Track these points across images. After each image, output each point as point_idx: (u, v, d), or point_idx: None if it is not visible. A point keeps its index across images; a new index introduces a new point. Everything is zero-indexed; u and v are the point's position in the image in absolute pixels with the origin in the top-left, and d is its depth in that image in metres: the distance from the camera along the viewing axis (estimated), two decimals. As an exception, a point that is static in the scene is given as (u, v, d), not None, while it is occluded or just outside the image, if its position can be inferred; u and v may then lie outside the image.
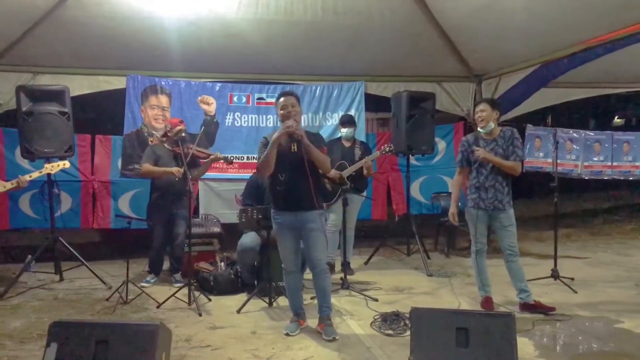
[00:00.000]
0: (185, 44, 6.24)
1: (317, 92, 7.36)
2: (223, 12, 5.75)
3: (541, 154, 7.89)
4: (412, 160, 7.03)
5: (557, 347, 3.93)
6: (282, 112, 4.06)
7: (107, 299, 5.07)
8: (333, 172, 5.34)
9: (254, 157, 6.89)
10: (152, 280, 5.69)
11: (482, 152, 4.49)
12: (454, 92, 7.72)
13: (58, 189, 6.22)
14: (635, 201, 11.20)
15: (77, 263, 5.78)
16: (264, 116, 7.25)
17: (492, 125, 4.55)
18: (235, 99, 7.19)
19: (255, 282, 5.27)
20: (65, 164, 5.37)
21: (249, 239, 5.27)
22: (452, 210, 4.81)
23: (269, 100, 7.11)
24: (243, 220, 4.92)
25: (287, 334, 4.13)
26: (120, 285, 5.00)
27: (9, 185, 4.88)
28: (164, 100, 6.96)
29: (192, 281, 5.05)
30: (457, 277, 5.90)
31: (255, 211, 4.85)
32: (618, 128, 15.22)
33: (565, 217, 9.17)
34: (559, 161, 5.58)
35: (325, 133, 6.91)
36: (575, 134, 8.22)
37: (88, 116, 10.46)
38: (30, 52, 6.10)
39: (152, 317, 4.65)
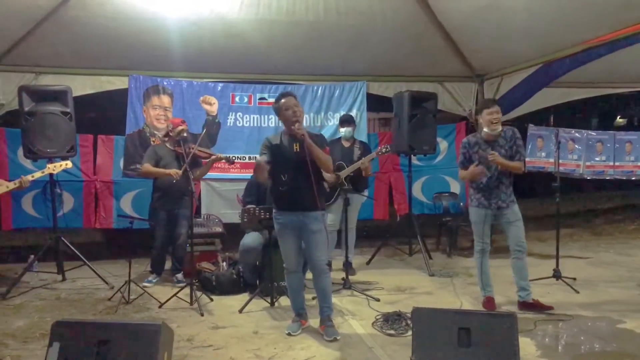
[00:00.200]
0: (187, 44, 6.24)
1: (319, 92, 7.36)
2: (225, 12, 5.76)
3: (543, 154, 7.88)
4: (414, 160, 7.03)
5: (559, 347, 3.93)
6: (287, 112, 4.04)
7: (110, 299, 5.08)
8: (328, 176, 5.28)
9: (255, 157, 6.87)
10: (154, 280, 5.69)
11: (497, 157, 4.44)
12: (455, 92, 7.71)
13: (60, 189, 6.24)
14: (638, 201, 11.17)
15: (80, 263, 5.78)
16: (266, 116, 7.25)
17: (500, 126, 4.56)
18: (237, 99, 7.20)
19: (257, 282, 5.28)
20: (68, 164, 5.38)
21: (251, 238, 5.27)
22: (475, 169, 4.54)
23: (270, 100, 7.09)
24: (245, 220, 4.93)
25: (289, 334, 4.13)
26: (123, 285, 5.01)
27: (11, 185, 4.89)
28: (166, 100, 6.97)
29: (194, 281, 5.06)
30: (459, 277, 5.90)
31: (259, 210, 4.84)
32: (620, 128, 15.20)
33: (567, 217, 9.16)
34: (561, 161, 5.56)
35: (327, 133, 6.91)
36: (577, 134, 8.21)
37: (90, 116, 10.48)
38: (32, 52, 6.11)
39: (154, 317, 4.65)
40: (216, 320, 4.55)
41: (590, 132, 8.42)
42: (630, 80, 7.98)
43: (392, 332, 4.16)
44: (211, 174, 6.72)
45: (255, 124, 7.24)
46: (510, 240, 4.64)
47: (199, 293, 5.08)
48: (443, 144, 7.79)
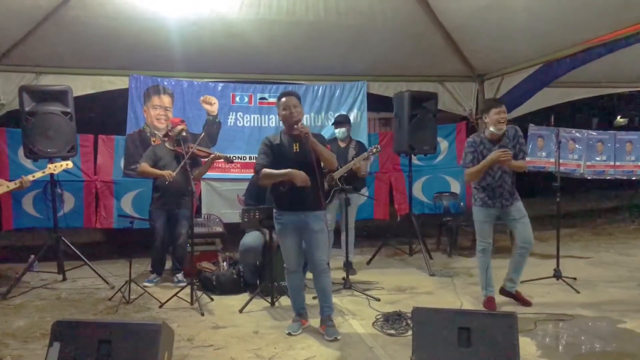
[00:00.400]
0: (188, 44, 6.25)
1: (319, 92, 7.37)
2: (225, 12, 5.76)
3: (544, 154, 7.88)
4: (415, 160, 7.03)
5: (560, 347, 3.93)
6: (284, 112, 4.04)
7: (110, 299, 5.09)
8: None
9: (256, 157, 6.88)
10: (155, 280, 5.70)
11: (509, 155, 4.44)
12: (456, 92, 7.72)
13: (61, 189, 6.25)
14: (638, 201, 11.16)
15: (80, 263, 5.79)
16: (266, 116, 7.26)
17: (505, 126, 4.56)
18: (237, 98, 7.20)
19: (258, 281, 5.28)
20: (68, 164, 5.37)
21: (251, 238, 5.28)
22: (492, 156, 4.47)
23: (271, 100, 7.12)
24: (245, 220, 4.93)
25: (289, 334, 4.13)
26: (123, 285, 5.01)
27: (12, 186, 4.89)
28: (166, 100, 6.97)
29: (194, 281, 5.06)
30: (460, 276, 5.90)
31: (257, 211, 4.84)
32: (621, 128, 15.18)
33: (567, 217, 9.17)
34: (561, 161, 5.56)
35: (327, 133, 6.90)
36: (577, 134, 8.20)
37: (91, 116, 10.48)
38: (33, 52, 6.12)
39: (154, 316, 4.66)
40: (216, 320, 4.55)
41: (590, 131, 8.41)
42: (631, 80, 7.98)
43: (392, 332, 4.16)
44: (212, 174, 6.74)
45: (256, 124, 7.25)
46: (519, 238, 4.66)
47: (199, 293, 5.08)
48: (443, 144, 7.79)
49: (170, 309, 4.81)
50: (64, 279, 5.85)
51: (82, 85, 6.63)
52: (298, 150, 4.03)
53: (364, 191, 6.34)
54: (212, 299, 5.11)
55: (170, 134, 5.73)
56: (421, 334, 3.17)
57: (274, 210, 4.20)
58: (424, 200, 7.82)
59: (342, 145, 6.15)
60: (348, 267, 5.58)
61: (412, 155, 6.77)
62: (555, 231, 5.43)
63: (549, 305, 4.71)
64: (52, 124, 5.56)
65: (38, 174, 5.07)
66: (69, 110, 5.66)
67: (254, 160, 6.93)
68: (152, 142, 6.66)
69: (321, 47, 6.62)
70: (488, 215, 4.64)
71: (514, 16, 5.57)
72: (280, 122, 4.24)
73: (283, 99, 4.07)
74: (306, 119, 7.14)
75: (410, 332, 3.64)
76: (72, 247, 5.77)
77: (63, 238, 5.75)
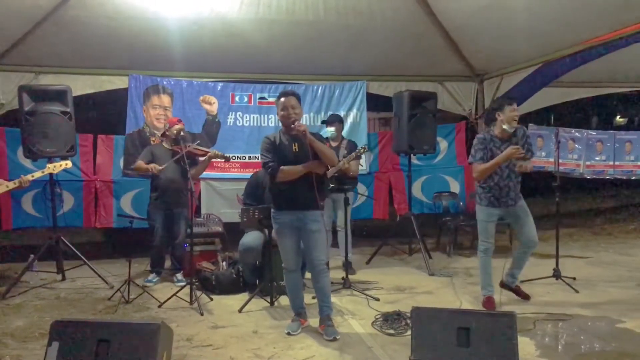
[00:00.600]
0: (187, 44, 6.25)
1: (319, 91, 7.37)
2: (225, 12, 5.76)
3: (543, 154, 7.88)
4: (414, 160, 7.03)
5: (559, 347, 3.93)
6: (282, 112, 4.03)
7: (109, 298, 5.08)
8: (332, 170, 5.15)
9: (255, 157, 6.89)
10: (154, 280, 5.69)
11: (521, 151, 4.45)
12: (455, 92, 7.72)
13: (60, 188, 6.25)
14: (638, 201, 11.17)
15: (79, 262, 5.78)
16: (266, 116, 7.26)
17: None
18: (237, 98, 7.20)
19: (257, 281, 5.27)
20: (68, 163, 5.38)
21: (251, 238, 5.27)
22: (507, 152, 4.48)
23: (270, 99, 7.12)
24: (245, 219, 4.93)
25: (288, 334, 4.13)
26: (122, 285, 5.01)
27: (11, 185, 4.89)
28: (165, 100, 6.98)
29: (193, 280, 5.06)
30: (459, 276, 5.90)
31: (256, 211, 4.85)
32: (620, 127, 15.20)
33: (567, 217, 9.16)
34: (561, 160, 5.56)
35: (326, 133, 6.90)
36: (577, 134, 8.21)
37: (90, 116, 10.48)
38: (32, 52, 6.12)
39: (153, 316, 4.66)
40: (216, 319, 4.54)
41: (590, 131, 8.42)
42: (630, 79, 7.98)
43: (391, 331, 4.16)
44: (211, 174, 6.74)
45: (255, 124, 7.25)
46: (523, 237, 4.69)
47: (198, 292, 5.07)
48: (443, 144, 7.79)
49: (170, 309, 4.80)
50: (63, 278, 5.84)
51: (82, 85, 6.64)
52: (297, 149, 4.03)
53: (364, 191, 6.33)
54: (211, 299, 5.11)
55: (167, 133, 5.73)
56: (420, 334, 3.17)
57: (272, 210, 4.20)
58: (424, 200, 7.82)
59: (334, 144, 6.10)
60: (347, 266, 5.58)
61: (412, 155, 6.77)
62: (554, 231, 5.43)
63: (548, 305, 4.71)
64: (52, 123, 5.55)
65: (37, 174, 5.07)
66: (68, 110, 5.66)
67: (254, 160, 6.98)
68: (152, 142, 6.66)
69: (321, 47, 6.62)
70: (492, 215, 4.64)
71: (513, 16, 5.57)
72: (280, 121, 4.23)
73: (282, 99, 4.06)
74: (305, 119, 7.14)
75: (409, 332, 3.64)
76: (72, 247, 5.76)
77: (62, 238, 5.74)
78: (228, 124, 7.17)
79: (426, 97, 6.67)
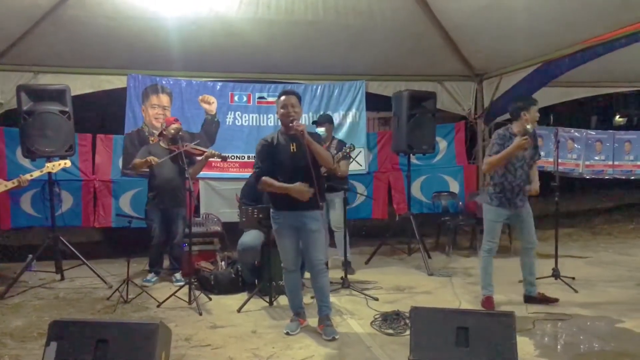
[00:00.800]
0: (186, 44, 6.24)
1: (318, 91, 7.35)
2: (224, 11, 5.76)
3: (542, 153, 7.81)
4: (413, 160, 7.02)
5: (558, 347, 3.93)
6: (282, 111, 4.03)
7: (108, 298, 5.08)
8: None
9: (254, 157, 6.86)
10: (153, 279, 5.69)
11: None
12: (455, 92, 7.72)
13: (59, 188, 6.24)
14: (637, 201, 11.17)
15: (78, 262, 5.78)
16: (265, 115, 7.25)
17: None
18: (236, 98, 7.19)
19: (256, 281, 5.27)
20: (66, 163, 5.38)
21: (250, 237, 5.26)
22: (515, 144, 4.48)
23: (269, 99, 7.11)
24: (244, 219, 4.92)
25: (287, 333, 4.12)
26: (121, 284, 5.01)
27: (10, 185, 4.89)
28: (164, 99, 6.97)
29: (192, 280, 5.05)
30: (458, 276, 5.89)
31: (255, 211, 4.84)
32: (619, 127, 15.20)
33: (566, 217, 9.16)
34: (560, 160, 5.57)
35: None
36: (576, 133, 8.22)
37: (89, 115, 10.46)
38: (31, 51, 6.11)
39: (152, 316, 4.65)
40: (214, 319, 4.54)
41: (589, 131, 8.43)
42: (630, 79, 7.99)
43: (390, 331, 4.15)
44: (210, 173, 6.74)
45: (254, 123, 7.24)
46: (523, 237, 4.71)
47: (197, 292, 5.07)
48: (442, 144, 7.78)
49: (168, 309, 4.80)
50: (62, 278, 5.84)
51: (81, 85, 6.62)
52: (295, 150, 4.02)
53: (363, 191, 6.31)
54: (210, 299, 5.11)
55: (164, 132, 5.73)
56: (419, 334, 3.17)
57: (271, 210, 4.19)
58: (423, 200, 7.81)
59: (324, 145, 6.03)
60: (346, 266, 5.57)
61: (411, 155, 6.77)
62: (554, 231, 5.43)
63: (547, 305, 4.70)
64: (50, 123, 5.54)
65: (36, 173, 5.06)
66: (67, 109, 5.65)
67: (253, 160, 6.94)
68: (151, 142, 6.65)
69: (320, 47, 6.61)
70: (501, 215, 4.65)
71: (513, 16, 5.57)
72: (279, 121, 4.22)
73: (282, 98, 4.06)
74: (305, 119, 7.12)
75: (408, 332, 3.64)
76: (70, 247, 5.76)
77: (61, 237, 5.73)
78: (227, 123, 7.16)
79: (425, 96, 6.67)
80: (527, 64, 6.61)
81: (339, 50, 6.76)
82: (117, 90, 6.93)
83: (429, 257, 6.54)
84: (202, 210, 6.94)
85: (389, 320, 4.31)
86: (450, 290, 5.33)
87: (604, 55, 5.54)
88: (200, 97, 7.08)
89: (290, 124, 3.95)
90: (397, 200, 7.77)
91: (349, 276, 5.45)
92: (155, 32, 5.95)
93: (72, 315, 4.62)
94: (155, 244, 5.68)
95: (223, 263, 5.64)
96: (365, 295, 5.10)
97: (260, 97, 7.24)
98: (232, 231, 6.11)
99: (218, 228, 6.31)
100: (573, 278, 5.43)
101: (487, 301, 4.65)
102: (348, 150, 5.67)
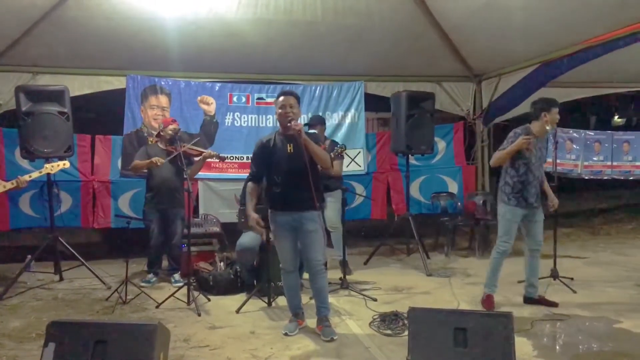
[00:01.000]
0: (185, 44, 6.24)
1: (317, 92, 7.35)
2: (223, 12, 5.75)
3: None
4: (412, 160, 7.02)
5: (556, 347, 3.93)
6: (280, 110, 4.03)
7: (107, 299, 5.07)
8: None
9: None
10: (152, 280, 5.69)
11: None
12: (453, 92, 7.72)
13: (58, 189, 6.24)
14: (635, 201, 11.18)
15: (77, 263, 5.78)
16: (264, 116, 7.25)
17: None
18: (234, 99, 7.19)
19: (255, 281, 5.27)
20: (65, 163, 5.37)
21: (248, 238, 5.26)
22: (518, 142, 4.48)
23: (268, 100, 7.11)
24: (243, 220, 4.92)
25: (285, 334, 4.13)
26: (120, 285, 5.01)
27: (8, 185, 4.88)
28: (163, 100, 6.96)
29: (191, 281, 5.05)
30: (457, 277, 5.90)
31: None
32: (618, 128, 15.19)
33: (564, 217, 9.16)
34: (558, 161, 5.59)
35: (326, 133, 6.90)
36: (575, 134, 8.22)
37: (88, 116, 10.46)
38: (30, 52, 6.10)
39: (151, 317, 4.65)
40: (213, 320, 4.54)
41: (588, 131, 8.43)
42: (629, 79, 7.97)
43: (389, 332, 4.16)
44: (209, 174, 6.73)
45: (253, 124, 7.23)
46: (531, 238, 4.70)
47: (196, 293, 5.06)
48: (441, 144, 7.78)
49: (167, 309, 4.80)
50: (61, 279, 5.84)
51: (79, 85, 6.61)
52: (292, 150, 4.02)
53: (362, 191, 6.30)
54: (208, 299, 5.11)
55: (162, 133, 5.73)
56: (417, 334, 3.16)
57: (269, 211, 4.18)
58: (422, 200, 7.81)
59: (322, 145, 6.02)
60: (345, 266, 5.57)
61: (410, 155, 6.77)
62: (552, 231, 5.43)
63: (545, 305, 4.70)
64: (49, 124, 5.55)
65: (35, 174, 5.06)
66: (65, 110, 5.65)
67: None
68: (150, 142, 6.64)
69: (319, 47, 6.61)
70: (518, 215, 4.61)
71: (511, 16, 5.57)
72: (277, 122, 4.22)
73: (281, 98, 4.07)
74: (304, 120, 7.12)
75: (406, 332, 3.63)
76: (69, 247, 5.76)
77: (60, 238, 5.73)
78: (226, 124, 7.16)
79: (424, 97, 6.67)
80: (526, 64, 6.62)
81: (338, 51, 6.76)
82: (116, 91, 6.92)
83: (428, 257, 6.55)
84: (201, 211, 6.94)
85: (388, 320, 4.32)
86: (449, 291, 5.33)
87: (603, 56, 5.54)
88: (199, 98, 7.07)
89: (288, 124, 3.95)
90: (396, 201, 7.77)
91: (347, 276, 5.45)
92: (154, 33, 5.95)
93: (71, 316, 4.62)
94: (153, 244, 5.68)
95: (222, 264, 5.64)
96: (364, 295, 5.10)
97: (259, 98, 7.23)
98: (231, 232, 6.11)
99: (217, 229, 6.30)
100: (572, 278, 5.44)
101: (488, 299, 4.65)
102: (340, 151, 5.68)
